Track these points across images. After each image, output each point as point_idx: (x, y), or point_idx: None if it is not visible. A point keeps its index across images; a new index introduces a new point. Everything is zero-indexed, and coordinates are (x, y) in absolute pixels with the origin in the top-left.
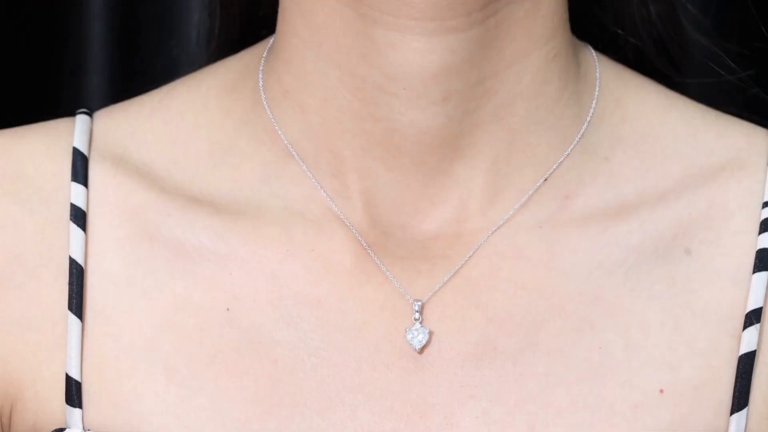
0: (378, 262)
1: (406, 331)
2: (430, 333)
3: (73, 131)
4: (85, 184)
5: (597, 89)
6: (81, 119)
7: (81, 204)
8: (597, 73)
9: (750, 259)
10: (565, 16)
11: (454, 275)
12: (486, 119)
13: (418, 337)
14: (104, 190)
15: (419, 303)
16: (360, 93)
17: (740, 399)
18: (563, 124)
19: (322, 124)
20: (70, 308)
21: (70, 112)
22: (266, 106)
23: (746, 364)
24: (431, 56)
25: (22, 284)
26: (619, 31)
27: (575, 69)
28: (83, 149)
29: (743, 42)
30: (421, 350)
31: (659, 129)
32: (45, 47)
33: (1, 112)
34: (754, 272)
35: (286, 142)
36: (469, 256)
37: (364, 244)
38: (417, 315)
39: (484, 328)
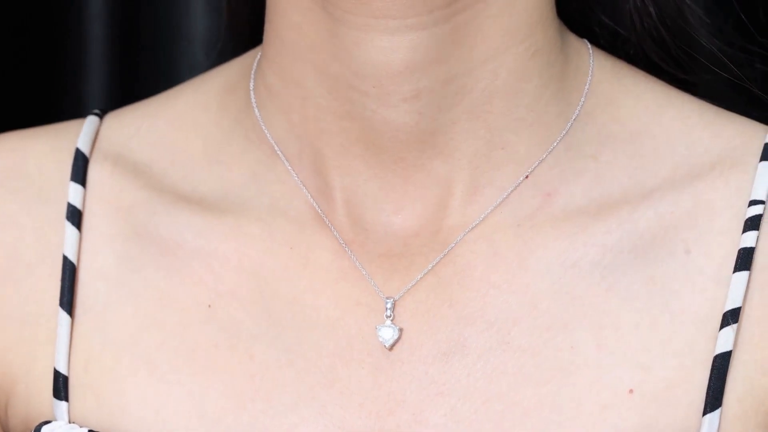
0: (354, 259)
1: (377, 328)
2: (401, 330)
3: (80, 132)
4: (83, 183)
5: (587, 87)
6: (90, 120)
7: (77, 203)
8: (590, 71)
9: (732, 259)
10: (548, 12)
11: (428, 273)
12: (462, 116)
13: (388, 334)
14: (101, 189)
15: (391, 300)
16: (335, 92)
17: (714, 400)
18: (545, 122)
19: (303, 123)
20: (61, 304)
21: (71, 113)
22: (254, 106)
23: (721, 364)
24: (394, 54)
25: (19, 281)
26: (618, 29)
27: (561, 66)
28: (85, 149)
29: (746, 36)
30: (392, 347)
31: (653, 128)
32: (45, 48)
33: (2, 112)
34: (734, 271)
35: (271, 141)
36: (444, 255)
37: (342, 242)
38: (389, 312)
39: (454, 326)
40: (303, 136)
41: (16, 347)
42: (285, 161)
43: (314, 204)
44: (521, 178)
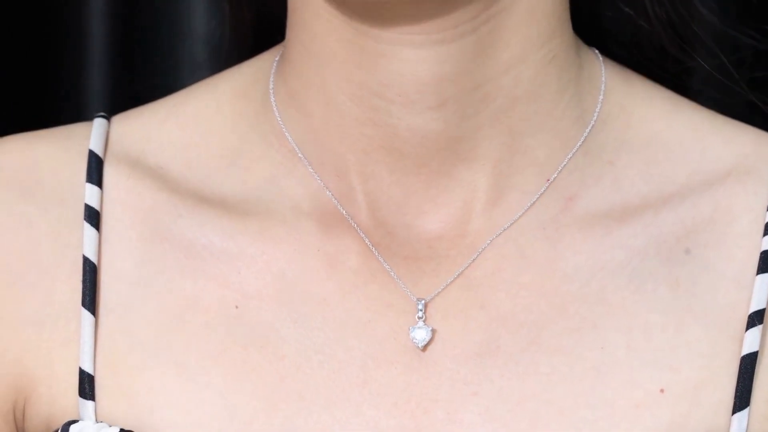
0: (382, 261)
1: (409, 329)
2: (433, 331)
3: (89, 135)
4: (100, 185)
5: (601, 93)
6: (98, 123)
7: (95, 204)
8: (602, 77)
9: (754, 261)
10: (564, 18)
11: (458, 276)
12: (486, 123)
13: (421, 335)
14: (118, 192)
15: (423, 302)
16: (358, 99)
17: (742, 399)
18: (564, 126)
19: (324, 128)
20: (84, 304)
21: (71, 112)
22: (275, 108)
23: (748, 364)
24: (421, 66)
25: (35, 283)
26: (629, 11)
27: (576, 71)
28: (98, 152)
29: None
30: (425, 348)
31: (665, 134)
32: (45, 47)
33: (2, 112)
34: (758, 274)
35: (292, 144)
36: (474, 258)
37: (369, 244)
38: (420, 314)
39: (487, 327)
40: (324, 140)
41: (35, 349)
42: (307, 164)
43: (339, 207)
44: (544, 183)
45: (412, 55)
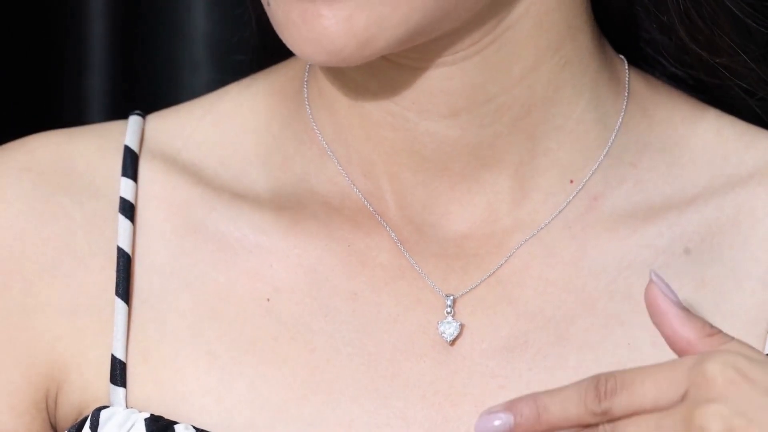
0: (409, 258)
1: (438, 324)
2: (462, 326)
3: (125, 131)
4: (135, 179)
5: (626, 97)
6: (133, 120)
7: (130, 197)
8: (626, 82)
9: None
10: (577, 23)
11: (486, 273)
12: (504, 130)
13: (450, 330)
14: (152, 186)
15: (451, 297)
16: (376, 104)
17: None
18: (583, 129)
19: (349, 128)
20: (117, 293)
21: (71, 112)
22: (307, 106)
23: None
24: (429, 80)
25: (70, 272)
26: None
27: (592, 75)
28: (134, 147)
29: None
30: (453, 342)
31: (688, 139)
32: (45, 47)
33: (2, 112)
34: None
35: (322, 141)
36: (507, 258)
37: (397, 242)
38: (449, 309)
39: (515, 322)
40: (351, 139)
41: (68, 337)
42: (336, 162)
43: (367, 204)
44: (567, 183)
45: (418, 70)
